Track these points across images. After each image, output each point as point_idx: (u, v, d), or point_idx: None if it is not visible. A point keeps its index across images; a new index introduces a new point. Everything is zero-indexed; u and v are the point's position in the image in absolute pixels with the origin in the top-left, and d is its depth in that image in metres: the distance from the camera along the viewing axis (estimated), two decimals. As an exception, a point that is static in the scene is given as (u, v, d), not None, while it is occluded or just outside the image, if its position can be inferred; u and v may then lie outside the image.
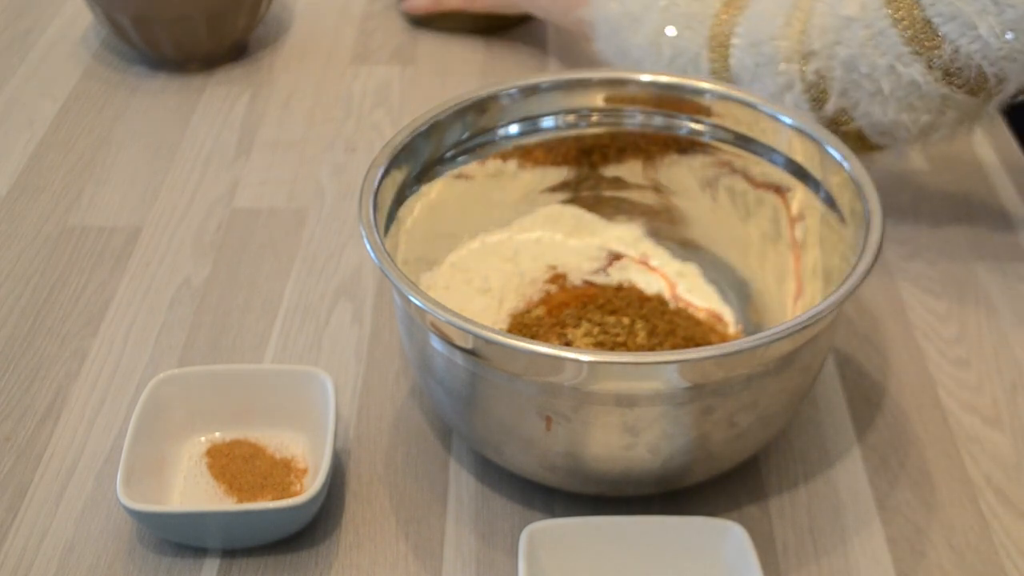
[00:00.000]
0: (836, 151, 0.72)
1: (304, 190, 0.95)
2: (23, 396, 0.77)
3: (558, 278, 0.81)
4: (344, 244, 0.89)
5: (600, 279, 0.81)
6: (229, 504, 0.68)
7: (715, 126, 0.79)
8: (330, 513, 0.69)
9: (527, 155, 0.81)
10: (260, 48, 1.13)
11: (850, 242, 0.70)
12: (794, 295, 0.76)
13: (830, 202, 0.73)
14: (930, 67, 0.78)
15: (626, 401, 0.62)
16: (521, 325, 0.77)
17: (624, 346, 0.76)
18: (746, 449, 0.68)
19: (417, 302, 0.62)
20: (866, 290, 0.84)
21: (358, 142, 1.00)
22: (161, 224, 0.91)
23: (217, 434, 0.72)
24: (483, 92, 0.78)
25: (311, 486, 0.65)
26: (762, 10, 0.85)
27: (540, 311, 0.79)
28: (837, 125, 0.83)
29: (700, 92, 0.78)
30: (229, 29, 1.08)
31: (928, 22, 0.77)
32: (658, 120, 0.80)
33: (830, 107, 0.83)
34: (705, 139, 0.79)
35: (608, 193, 0.83)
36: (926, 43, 0.77)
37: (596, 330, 0.77)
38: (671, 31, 0.88)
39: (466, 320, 0.61)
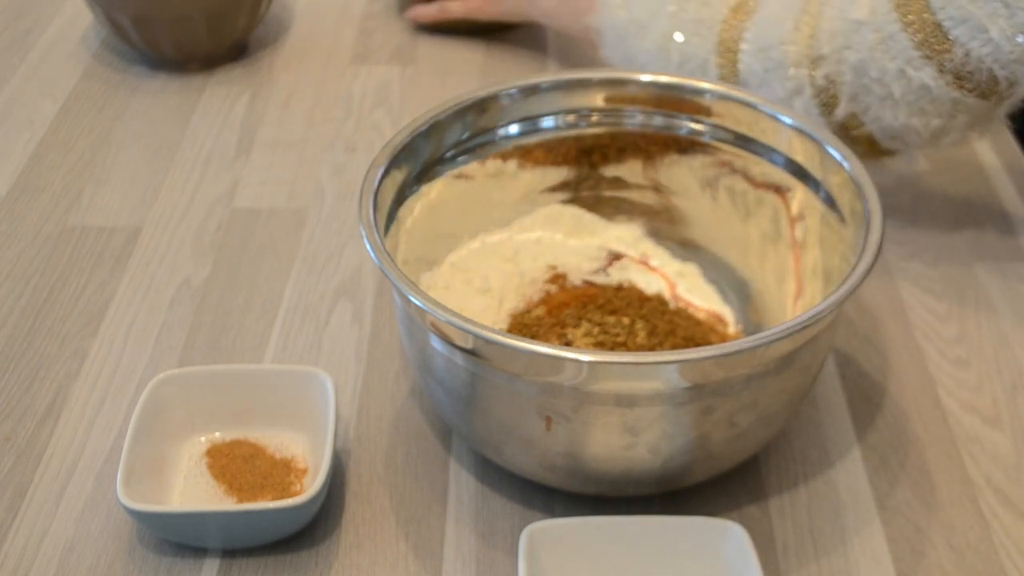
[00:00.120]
0: (836, 151, 0.72)
1: (304, 190, 0.95)
2: (23, 396, 0.77)
3: (558, 278, 0.81)
4: (344, 244, 0.89)
5: (600, 279, 0.81)
6: (229, 504, 0.68)
7: (715, 126, 0.79)
8: (330, 513, 0.69)
9: (527, 155, 0.81)
10: (260, 48, 1.13)
11: (850, 242, 0.70)
12: (794, 295, 0.76)
13: (830, 202, 0.73)
14: (941, 71, 0.77)
15: (626, 401, 0.62)
16: (521, 325, 0.77)
17: (624, 346, 0.76)
18: (746, 449, 0.68)
19: (417, 302, 0.62)
20: (866, 290, 0.84)
21: (358, 142, 1.00)
22: (161, 224, 0.91)
23: (217, 434, 0.72)
24: (483, 92, 0.78)
25: (311, 486, 0.65)
26: (770, 15, 0.85)
27: (540, 311, 0.79)
28: (847, 130, 0.83)
29: (700, 92, 0.78)
30: (229, 29, 1.08)
31: (938, 26, 0.76)
32: (658, 120, 0.80)
33: (840, 112, 0.82)
34: (705, 139, 0.79)
35: (608, 193, 0.83)
36: (936, 47, 0.76)
37: (596, 330, 0.77)
38: (679, 37, 0.88)
39: (466, 320, 0.61)
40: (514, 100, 0.79)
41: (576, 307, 0.79)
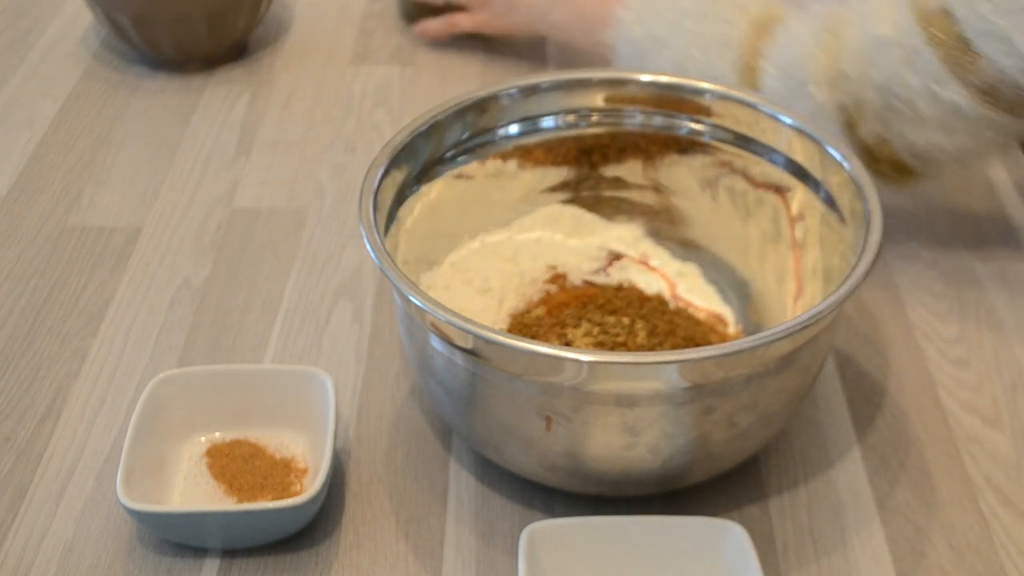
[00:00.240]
0: (836, 151, 0.72)
1: (304, 190, 0.95)
2: (23, 396, 0.77)
3: (558, 278, 0.81)
4: (344, 244, 0.89)
5: (600, 279, 0.81)
6: (229, 504, 0.68)
7: (715, 126, 0.79)
8: (330, 513, 0.69)
9: (527, 155, 0.81)
10: (260, 48, 1.13)
11: (850, 242, 0.70)
12: (794, 295, 0.76)
13: (830, 202, 0.73)
14: (967, 87, 0.75)
15: (626, 401, 0.62)
16: (521, 325, 0.77)
17: (624, 346, 0.76)
18: (746, 449, 0.68)
19: (417, 302, 0.62)
20: (866, 290, 0.84)
21: (358, 142, 1.00)
22: (161, 224, 0.91)
23: (217, 434, 0.72)
24: (483, 92, 0.78)
25: (311, 486, 0.65)
26: (792, 34, 0.83)
27: (540, 311, 0.79)
28: (871, 152, 0.81)
29: (700, 92, 0.78)
30: (229, 29, 1.08)
31: (963, 39, 0.74)
32: (658, 120, 0.80)
33: (864, 132, 0.80)
34: (705, 139, 0.79)
35: (608, 193, 0.83)
36: (962, 61, 0.74)
37: (596, 330, 0.77)
38: (697, 54, 0.86)
39: (466, 320, 0.61)
40: (514, 100, 0.79)
41: (576, 307, 0.79)
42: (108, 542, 0.68)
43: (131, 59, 1.11)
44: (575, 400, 0.62)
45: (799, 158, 0.75)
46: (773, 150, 0.77)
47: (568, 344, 0.76)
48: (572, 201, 0.83)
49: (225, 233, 0.90)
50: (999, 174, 0.95)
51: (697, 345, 0.75)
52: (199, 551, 0.67)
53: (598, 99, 0.80)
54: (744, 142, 0.78)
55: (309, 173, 0.97)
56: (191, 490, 0.69)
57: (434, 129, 0.76)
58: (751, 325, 0.78)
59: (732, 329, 0.78)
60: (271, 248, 0.89)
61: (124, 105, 1.05)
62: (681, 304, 0.80)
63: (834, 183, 0.73)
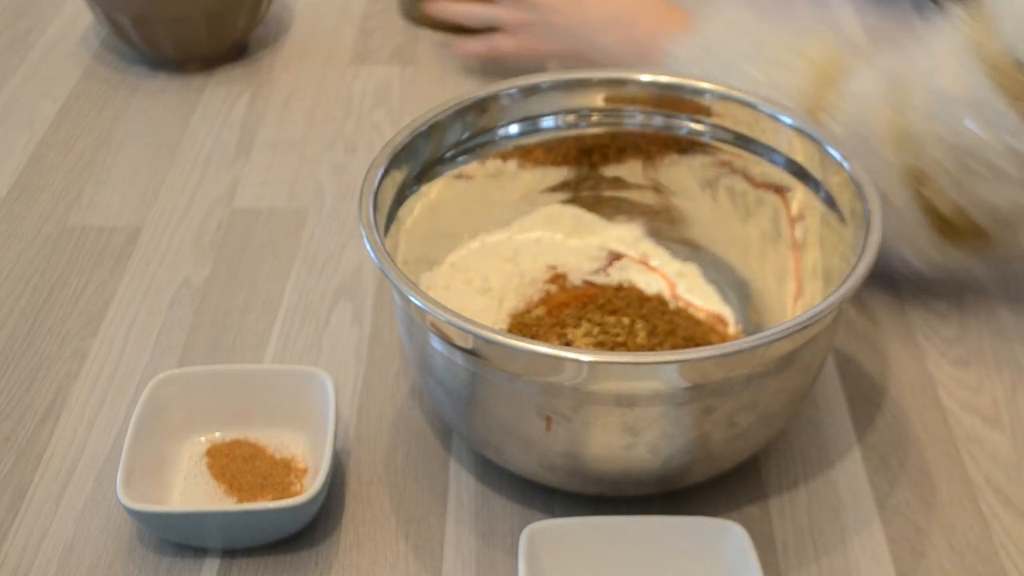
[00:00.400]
0: (836, 151, 0.72)
1: (304, 190, 0.95)
2: (23, 396, 0.77)
3: (558, 278, 0.81)
4: (344, 244, 0.89)
5: (600, 279, 0.81)
6: (229, 504, 0.68)
7: (715, 126, 0.79)
8: (330, 513, 0.69)
9: (527, 155, 0.81)
10: (260, 48, 1.13)
11: (850, 242, 0.70)
12: (794, 295, 0.76)
13: (830, 202, 0.73)
14: None
15: (626, 401, 0.62)
16: (521, 325, 0.77)
17: (624, 346, 0.76)
18: (746, 449, 0.68)
19: (417, 302, 0.62)
20: (866, 290, 0.84)
21: (358, 142, 1.00)
22: (161, 224, 0.91)
23: (217, 434, 0.72)
24: (483, 92, 0.78)
25: (311, 486, 0.65)
26: (856, 85, 0.77)
27: (540, 311, 0.79)
28: (943, 215, 0.75)
29: (700, 92, 0.78)
30: (229, 29, 1.08)
31: None
32: (658, 120, 0.80)
33: (935, 194, 0.74)
34: (705, 139, 0.79)
35: (608, 193, 0.83)
36: None
37: (596, 330, 0.77)
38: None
39: (466, 320, 0.61)
40: (514, 100, 0.79)
41: (576, 307, 0.79)
42: (108, 542, 0.68)
43: (131, 59, 1.11)
44: (575, 400, 0.62)
45: (799, 158, 0.75)
46: (773, 150, 0.77)
47: (568, 344, 0.76)
48: (572, 201, 0.83)
49: (225, 233, 0.90)
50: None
51: (697, 345, 0.75)
52: (199, 551, 0.67)
53: (598, 99, 0.80)
54: (744, 142, 0.78)
55: (309, 173, 0.97)
56: (191, 490, 0.69)
57: (434, 129, 0.76)
58: (751, 325, 0.78)
59: (732, 329, 0.78)
60: (271, 248, 0.89)
61: (124, 105, 1.05)
62: (681, 304, 0.80)
63: (834, 183, 0.73)
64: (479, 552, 0.67)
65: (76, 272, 0.87)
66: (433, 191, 0.77)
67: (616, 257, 0.82)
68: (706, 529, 0.64)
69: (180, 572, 0.66)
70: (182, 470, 0.70)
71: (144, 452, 0.68)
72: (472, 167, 0.79)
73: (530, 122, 0.80)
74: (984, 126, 0.71)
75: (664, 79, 0.79)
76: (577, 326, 0.77)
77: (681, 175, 0.81)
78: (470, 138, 0.78)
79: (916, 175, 0.74)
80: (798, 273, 0.76)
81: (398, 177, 0.73)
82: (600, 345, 0.76)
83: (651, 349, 0.75)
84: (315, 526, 0.68)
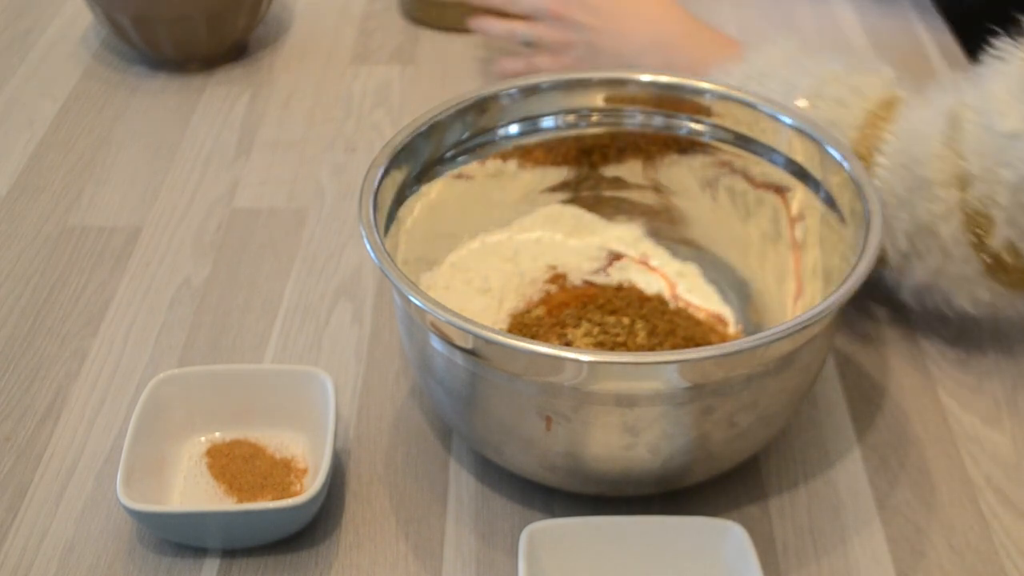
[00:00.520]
0: (836, 151, 0.72)
1: (304, 190, 0.95)
2: (23, 396, 0.77)
3: (558, 278, 0.81)
4: (344, 244, 0.89)
5: (600, 279, 0.81)
6: (229, 504, 0.68)
7: (715, 126, 0.79)
8: (330, 513, 0.69)
9: (527, 155, 0.81)
10: (260, 48, 1.13)
11: (850, 242, 0.70)
12: (794, 295, 0.76)
13: (830, 202, 0.73)
14: None
15: (626, 401, 0.62)
16: (521, 325, 0.77)
17: (624, 346, 0.76)
18: (746, 449, 0.68)
19: (417, 302, 0.62)
20: (866, 290, 0.84)
21: (358, 142, 1.00)
22: (161, 224, 0.91)
23: (217, 434, 0.72)
24: (483, 92, 0.78)
25: (311, 486, 0.65)
26: (912, 128, 0.74)
27: (540, 311, 0.79)
28: (1003, 261, 0.73)
29: (700, 92, 0.78)
30: (229, 29, 1.08)
31: None
32: (658, 120, 0.80)
33: (996, 240, 0.72)
34: (705, 139, 0.79)
35: (608, 193, 0.83)
36: None
37: (596, 330, 0.77)
38: None
39: (466, 320, 0.61)
40: (514, 100, 0.79)
41: (576, 307, 0.79)
42: (108, 542, 0.68)
43: (131, 59, 1.11)
44: (575, 400, 0.62)
45: (799, 158, 0.75)
46: (773, 150, 0.77)
47: (568, 344, 0.76)
48: (572, 201, 0.83)
49: (225, 233, 0.90)
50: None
51: (697, 345, 0.75)
52: (199, 551, 0.67)
53: (598, 99, 0.80)
54: (744, 142, 0.78)
55: (309, 173, 0.97)
56: (191, 490, 0.69)
57: (434, 129, 0.76)
58: (751, 325, 0.78)
59: (732, 329, 0.78)
60: (271, 248, 0.89)
61: (124, 105, 1.05)
62: (681, 304, 0.80)
63: (834, 183, 0.73)
64: (479, 552, 0.67)
65: (76, 272, 0.87)
66: (433, 191, 0.77)
67: (616, 257, 0.82)
68: (706, 529, 0.64)
69: (180, 572, 0.66)
70: (182, 470, 0.70)
71: (144, 452, 0.68)
72: (472, 167, 0.79)
73: (530, 122, 0.80)
74: None
75: (664, 79, 0.79)
76: (577, 326, 0.77)
77: (681, 175, 0.81)
78: (470, 138, 0.78)
79: (970, 214, 0.72)
80: (798, 273, 0.76)
81: (398, 177, 0.73)
82: (600, 345, 0.76)
83: (651, 349, 0.75)
84: (315, 526, 0.68)
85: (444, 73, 1.09)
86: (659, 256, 0.82)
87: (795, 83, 0.79)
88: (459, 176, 0.79)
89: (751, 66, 0.82)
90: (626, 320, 0.77)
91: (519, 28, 1.02)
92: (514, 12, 1.02)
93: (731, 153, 0.79)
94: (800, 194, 0.76)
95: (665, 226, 0.83)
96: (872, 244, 0.65)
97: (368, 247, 0.65)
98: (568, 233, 0.83)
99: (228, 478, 0.69)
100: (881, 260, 0.77)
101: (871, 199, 0.68)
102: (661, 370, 0.61)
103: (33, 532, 0.68)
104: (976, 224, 0.72)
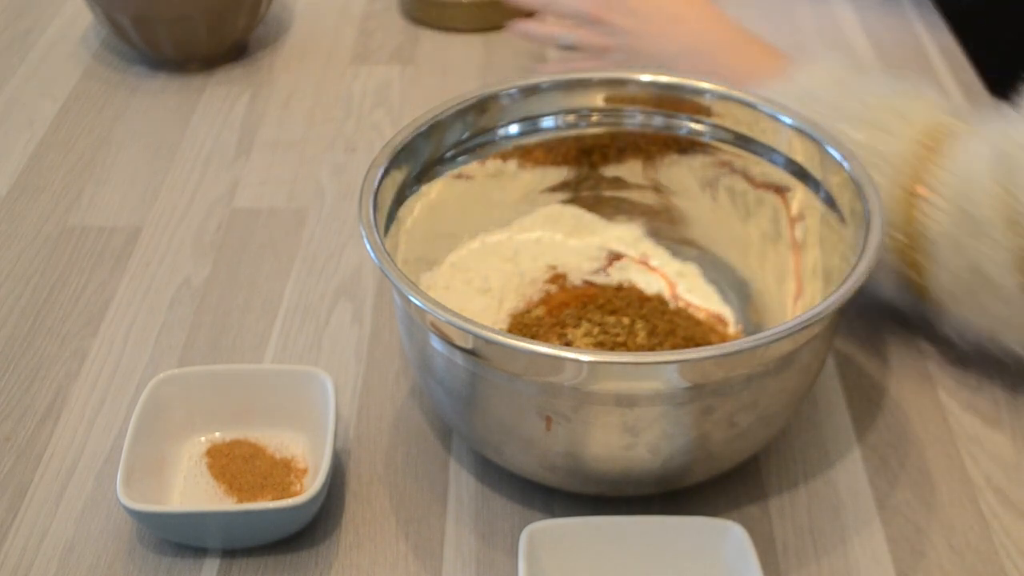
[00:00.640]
0: (836, 151, 0.72)
1: (304, 190, 0.95)
2: (23, 396, 0.77)
3: (558, 278, 0.81)
4: (344, 244, 0.89)
5: (600, 279, 0.81)
6: (229, 504, 0.68)
7: (715, 126, 0.79)
8: (330, 513, 0.69)
9: (527, 155, 0.81)
10: (260, 48, 1.13)
11: (850, 242, 0.70)
12: (794, 295, 0.76)
13: (830, 202, 0.73)
14: None
15: (626, 401, 0.62)
16: (521, 325, 0.77)
17: (624, 346, 0.76)
18: (746, 449, 0.68)
19: (417, 302, 0.62)
20: (866, 290, 0.84)
21: (358, 142, 1.00)
22: (161, 224, 0.91)
23: (217, 434, 0.72)
24: (483, 92, 0.78)
25: (311, 486, 0.65)
26: (962, 161, 0.71)
27: (540, 311, 0.79)
28: None
29: (700, 92, 0.78)
30: (229, 29, 1.08)
31: None
32: (658, 120, 0.80)
33: None
34: (705, 139, 0.79)
35: (608, 193, 0.83)
36: None
37: (596, 330, 0.77)
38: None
39: (466, 320, 0.61)
40: (514, 100, 0.79)
41: (576, 307, 0.79)
42: (108, 542, 0.68)
43: (131, 59, 1.11)
44: (575, 400, 0.62)
45: (799, 158, 0.75)
46: (773, 150, 0.77)
47: (568, 344, 0.76)
48: (572, 201, 0.83)
49: (225, 233, 0.90)
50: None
51: (697, 345, 0.75)
52: (199, 551, 0.67)
53: (598, 99, 0.80)
54: (744, 142, 0.78)
55: (309, 173, 0.97)
56: (191, 490, 0.69)
57: (434, 129, 0.76)
58: (751, 325, 0.78)
59: (732, 329, 0.78)
60: (271, 248, 0.89)
61: (124, 105, 1.05)
62: (681, 304, 0.80)
63: (834, 183, 0.73)
64: (479, 552, 0.67)
65: (76, 272, 0.87)
66: (433, 191, 0.77)
67: (616, 257, 0.82)
68: (706, 529, 0.64)
69: (180, 572, 0.66)
70: (182, 470, 0.70)
71: (144, 452, 0.68)
72: (472, 167, 0.79)
73: (530, 122, 0.80)
74: None
75: (664, 79, 0.79)
76: (577, 326, 0.77)
77: (681, 175, 0.81)
78: (470, 138, 0.78)
79: (1022, 256, 0.69)
80: (798, 273, 0.76)
81: (398, 177, 0.73)
82: (600, 345, 0.76)
83: (651, 349, 0.75)
84: (315, 526, 0.68)
85: (444, 73, 1.09)
86: (659, 256, 0.82)
87: (842, 107, 0.76)
88: (459, 176, 0.79)
89: (795, 86, 0.79)
90: (626, 320, 0.77)
91: (559, 33, 0.99)
92: (552, 14, 0.99)
93: (731, 153, 0.79)
94: (800, 194, 0.76)
95: (665, 226, 0.83)
96: (872, 244, 0.65)
97: (368, 247, 0.65)
98: (568, 233, 0.83)
99: (228, 478, 0.69)
100: (920, 291, 0.75)
101: (871, 199, 0.68)
102: (661, 370, 0.61)
103: (33, 532, 0.68)
104: None
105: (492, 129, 0.79)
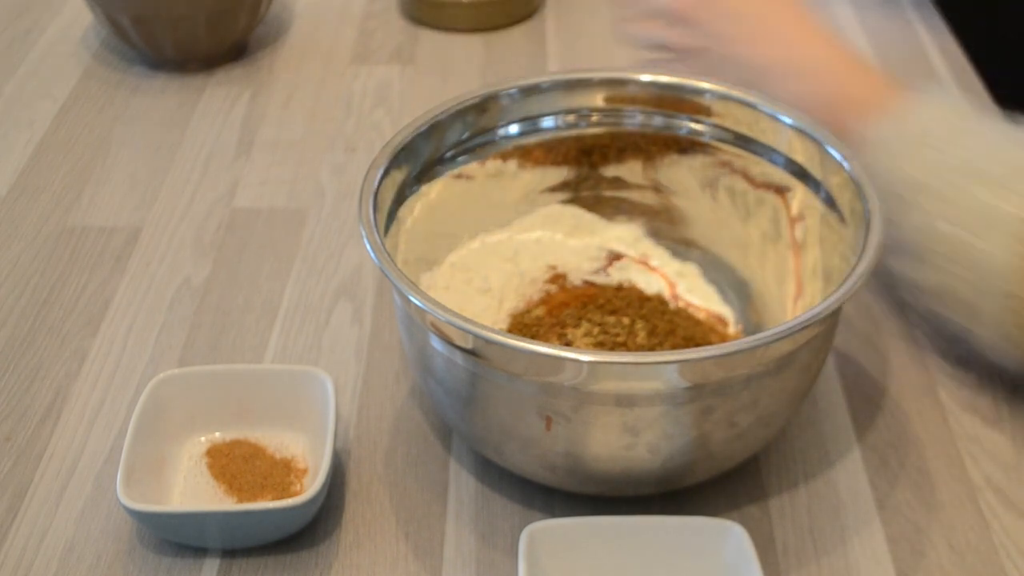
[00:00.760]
0: (836, 151, 0.72)
1: (304, 190, 0.95)
2: (23, 396, 0.77)
3: (558, 278, 0.81)
4: (344, 244, 0.89)
5: (600, 279, 0.81)
6: (229, 504, 0.68)
7: (715, 126, 0.79)
8: (330, 513, 0.69)
9: (527, 155, 0.81)
10: (260, 48, 1.13)
11: (850, 242, 0.70)
12: (794, 295, 0.76)
13: (830, 202, 0.73)
14: None
15: (626, 401, 0.62)
16: (521, 325, 0.77)
17: (624, 346, 0.76)
18: (746, 449, 0.68)
19: (417, 302, 0.62)
20: (866, 290, 0.84)
21: (358, 142, 1.00)
22: (161, 224, 0.91)
23: (217, 434, 0.72)
24: (483, 92, 0.78)
25: (311, 486, 0.65)
26: None
27: (540, 311, 0.79)
28: None
29: (700, 92, 0.78)
30: (229, 29, 1.08)
31: None
32: (658, 120, 0.80)
33: None
34: (705, 139, 0.79)
35: (608, 193, 0.83)
36: None
37: (596, 330, 0.77)
38: (946, 227, 0.64)
39: (466, 320, 0.61)
40: (514, 100, 0.79)
41: (576, 307, 0.79)
42: (108, 542, 0.68)
43: (131, 59, 1.11)
44: (575, 400, 0.62)
45: (799, 158, 0.75)
46: (773, 150, 0.77)
47: (568, 344, 0.76)
48: (572, 201, 0.83)
49: (225, 233, 0.90)
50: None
51: (697, 345, 0.75)
52: (199, 551, 0.67)
53: (598, 99, 0.80)
54: (744, 142, 0.78)
55: (309, 173, 0.97)
56: (191, 490, 0.69)
57: (434, 129, 0.76)
58: (751, 325, 0.78)
59: (732, 329, 0.78)
60: (271, 248, 0.89)
61: (124, 105, 1.05)
62: (681, 304, 0.80)
63: (834, 183, 0.73)
64: (479, 552, 0.67)
65: (76, 272, 0.87)
66: (433, 191, 0.77)
67: (616, 257, 0.82)
68: (706, 529, 0.64)
69: (180, 572, 0.66)
70: (182, 470, 0.70)
71: (144, 452, 0.68)
72: (472, 167, 0.79)
73: (530, 122, 0.80)
74: None
75: (664, 79, 0.79)
76: (577, 326, 0.77)
77: (681, 175, 0.81)
78: (470, 138, 0.78)
79: None
80: (798, 273, 0.76)
81: (398, 177, 0.73)
82: (600, 345, 0.76)
83: (651, 349, 0.75)
84: (315, 526, 0.68)
85: (444, 73, 1.09)
86: (659, 256, 0.82)
87: (970, 159, 0.68)
88: (459, 176, 0.79)
89: (916, 125, 0.71)
90: (626, 320, 0.77)
91: (651, 32, 0.89)
92: (641, 11, 0.90)
93: (731, 153, 0.79)
94: (800, 194, 0.76)
95: (665, 226, 0.83)
96: (872, 244, 0.65)
97: (368, 247, 0.65)
98: (568, 233, 0.83)
99: (228, 478, 0.69)
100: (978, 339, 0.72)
101: (871, 199, 0.68)
102: (661, 370, 0.61)
103: (33, 532, 0.68)
104: None
105: (492, 129, 0.79)
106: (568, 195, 0.83)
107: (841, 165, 0.72)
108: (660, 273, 0.82)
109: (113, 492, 0.69)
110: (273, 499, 0.68)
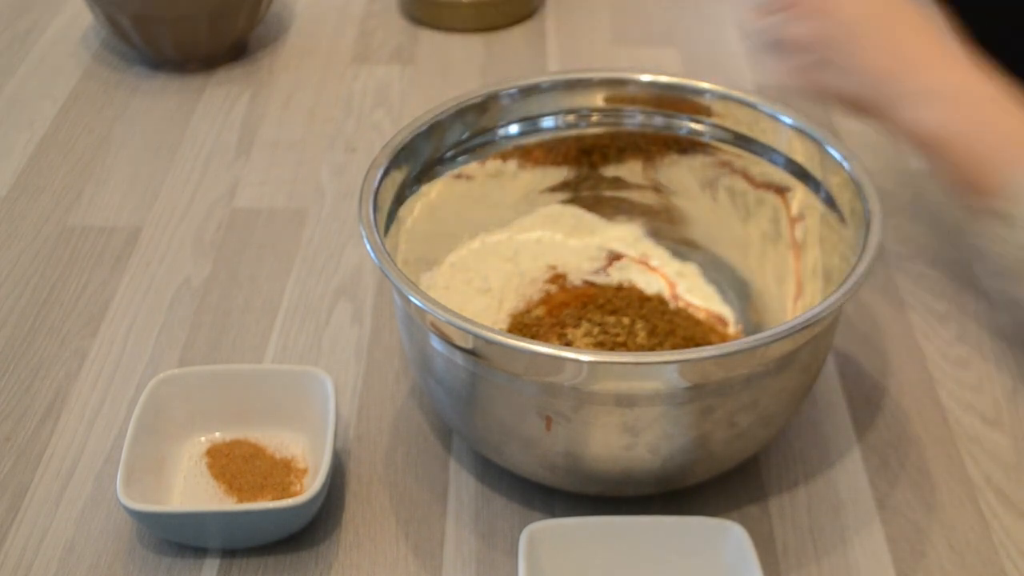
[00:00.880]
0: (836, 151, 0.72)
1: (304, 190, 0.95)
2: (23, 396, 0.77)
3: (558, 278, 0.81)
4: (344, 244, 0.89)
5: (600, 279, 0.81)
6: (229, 504, 0.68)
7: (715, 126, 0.79)
8: (330, 513, 0.69)
9: (527, 155, 0.81)
10: (260, 48, 1.13)
11: (850, 242, 0.70)
12: (794, 295, 0.76)
13: (830, 202, 0.73)
14: None
15: (626, 401, 0.62)
16: (521, 325, 0.77)
17: (624, 346, 0.76)
18: (746, 449, 0.68)
19: (417, 302, 0.62)
20: (866, 290, 0.84)
21: (358, 142, 1.00)
22: (161, 224, 0.91)
23: (217, 434, 0.72)
24: (483, 92, 0.78)
25: (311, 486, 0.65)
26: None
27: (540, 311, 0.79)
28: None
29: (700, 92, 0.78)
30: (229, 29, 1.08)
31: None
32: (658, 120, 0.80)
33: None
34: (705, 139, 0.79)
35: (608, 193, 0.83)
36: None
37: (596, 330, 0.77)
38: None
39: (466, 320, 0.61)
40: (514, 100, 0.79)
41: (576, 307, 0.79)
42: (108, 542, 0.68)
43: (131, 59, 1.11)
44: (575, 400, 0.62)
45: (799, 158, 0.75)
46: (773, 150, 0.77)
47: (568, 344, 0.76)
48: (572, 201, 0.83)
49: (225, 233, 0.90)
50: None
51: (697, 345, 0.75)
52: (199, 551, 0.67)
53: (598, 99, 0.80)
54: (744, 142, 0.78)
55: (309, 173, 0.97)
56: (191, 490, 0.69)
57: (434, 129, 0.76)
58: (751, 325, 0.78)
59: (732, 329, 0.78)
60: (271, 248, 0.89)
61: (124, 105, 1.05)
62: (681, 304, 0.80)
63: (834, 183, 0.73)
64: (479, 552, 0.67)
65: (76, 272, 0.87)
66: (433, 191, 0.77)
67: (616, 257, 0.82)
68: (706, 529, 0.64)
69: (180, 572, 0.66)
70: (182, 470, 0.70)
71: (144, 452, 0.68)
72: (472, 167, 0.79)
73: (530, 122, 0.80)
74: None
75: (664, 79, 0.79)
76: (577, 326, 0.77)
77: (681, 175, 0.81)
78: (470, 138, 0.78)
79: None
80: (798, 273, 0.76)
81: (398, 177, 0.73)
82: (600, 345, 0.76)
83: (651, 349, 0.75)
84: (315, 526, 0.68)
85: (444, 73, 1.09)
86: (659, 256, 0.82)
87: None
88: (459, 176, 0.79)
89: None
90: (626, 320, 0.77)
91: (775, 24, 0.78)
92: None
93: (731, 153, 0.79)
94: (800, 194, 0.76)
95: (665, 226, 0.83)
96: (872, 244, 0.65)
97: (368, 247, 0.65)
98: (568, 233, 0.83)
99: (228, 478, 0.69)
100: None
101: (871, 199, 0.68)
102: (661, 370, 0.61)
103: (33, 532, 0.68)
104: None
105: (492, 129, 0.79)
106: (568, 195, 0.83)
107: (841, 165, 0.72)
108: (660, 273, 0.82)
109: (113, 492, 0.69)
110: (273, 499, 0.68)
